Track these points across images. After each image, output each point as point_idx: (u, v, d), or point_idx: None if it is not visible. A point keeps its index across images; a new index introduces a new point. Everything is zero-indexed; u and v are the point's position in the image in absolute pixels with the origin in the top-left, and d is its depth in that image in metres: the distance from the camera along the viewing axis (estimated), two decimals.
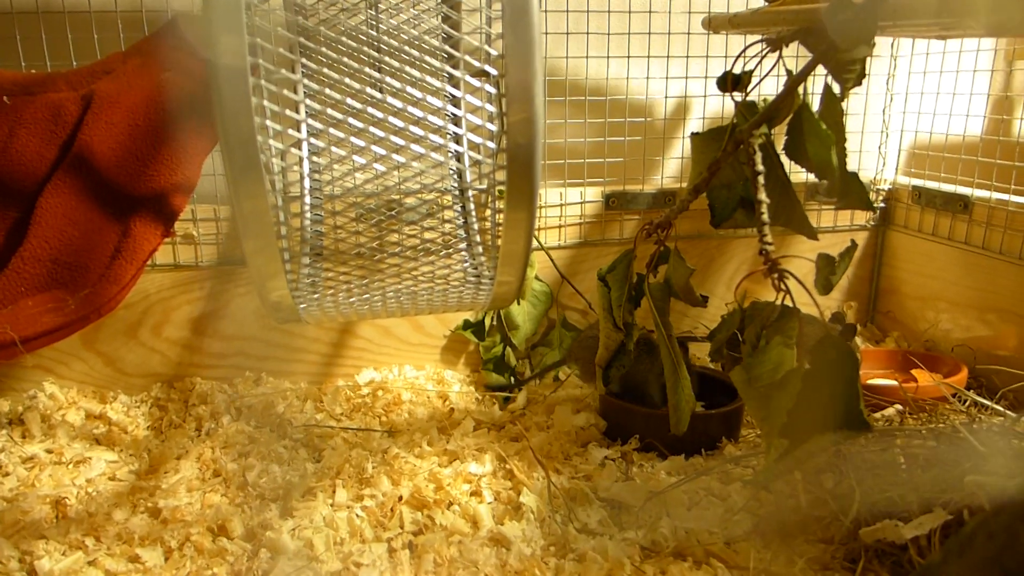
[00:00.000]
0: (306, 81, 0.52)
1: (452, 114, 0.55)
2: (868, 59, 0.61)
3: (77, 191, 0.77)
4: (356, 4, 0.63)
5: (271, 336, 1.04)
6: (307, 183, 0.77)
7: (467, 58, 0.49)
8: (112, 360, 1.01)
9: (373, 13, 0.64)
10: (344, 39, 0.53)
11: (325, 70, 0.49)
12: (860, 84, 0.60)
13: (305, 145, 0.73)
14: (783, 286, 0.65)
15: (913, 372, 1.00)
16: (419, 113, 0.50)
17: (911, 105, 1.17)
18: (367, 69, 0.50)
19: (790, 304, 0.66)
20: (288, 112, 0.49)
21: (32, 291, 0.73)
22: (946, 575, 0.35)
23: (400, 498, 0.75)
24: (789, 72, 0.65)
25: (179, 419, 0.95)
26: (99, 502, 0.77)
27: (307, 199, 0.77)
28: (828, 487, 0.71)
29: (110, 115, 0.79)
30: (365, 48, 0.53)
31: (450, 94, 0.55)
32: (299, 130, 0.59)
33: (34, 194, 0.77)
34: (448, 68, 0.51)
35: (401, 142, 0.50)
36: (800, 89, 0.64)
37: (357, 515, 0.73)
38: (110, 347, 1.00)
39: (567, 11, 1.04)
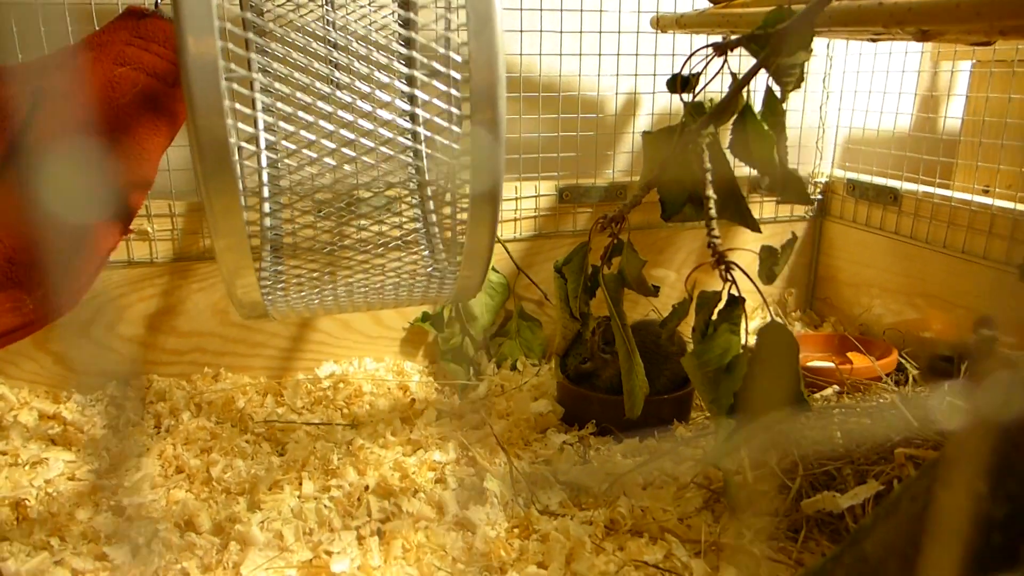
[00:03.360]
0: (276, 84, 0.53)
1: (418, 114, 0.57)
2: (806, 64, 0.65)
3: (30, 188, 0.76)
4: (320, 6, 0.64)
5: (229, 331, 1.04)
6: (266, 179, 0.77)
7: (434, 64, 0.51)
8: (64, 359, 0.99)
9: (334, 14, 0.66)
10: (314, 43, 0.54)
11: (296, 74, 0.50)
12: (799, 87, 0.64)
13: (263, 142, 0.74)
14: (730, 276, 0.69)
15: (849, 355, 1.06)
16: (387, 115, 0.52)
17: (846, 102, 1.23)
18: (337, 73, 0.52)
19: (736, 293, 0.70)
20: (259, 114, 0.50)
21: None
22: (875, 535, 0.39)
23: (366, 487, 0.77)
24: (734, 75, 0.68)
25: (137, 417, 0.94)
26: (60, 502, 0.76)
27: (266, 194, 0.78)
28: (772, 463, 0.76)
29: (61, 112, 0.78)
30: (334, 51, 0.54)
31: (416, 95, 0.57)
32: (268, 129, 0.60)
33: None
34: (416, 72, 0.53)
35: (371, 144, 0.52)
36: (744, 91, 0.68)
37: (325, 505, 0.75)
38: (62, 346, 0.98)
39: (521, 9, 1.06)
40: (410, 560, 0.68)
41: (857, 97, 1.21)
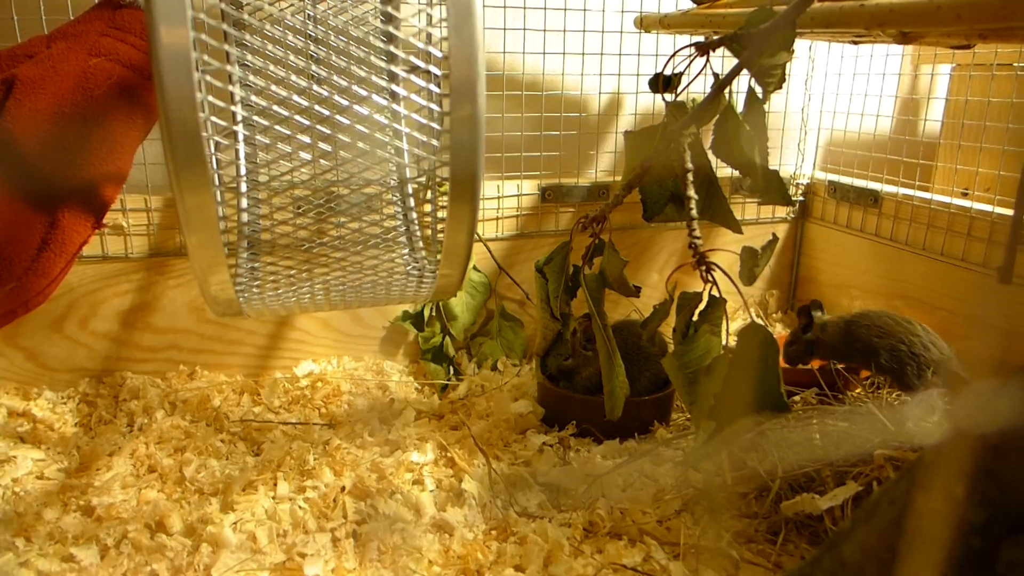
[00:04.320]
0: (252, 78, 0.52)
1: (397, 111, 0.56)
2: (788, 65, 0.65)
3: None
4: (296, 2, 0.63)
5: (205, 329, 1.02)
6: (243, 173, 0.76)
7: (412, 59, 0.50)
8: (35, 355, 0.97)
9: (314, 8, 0.64)
10: (290, 36, 0.53)
11: (271, 67, 0.49)
12: (781, 88, 0.64)
13: (241, 136, 0.72)
14: (710, 277, 0.69)
15: None
16: (364, 111, 0.51)
17: (827, 104, 1.24)
18: (314, 67, 0.51)
19: (716, 294, 0.70)
20: (235, 108, 0.49)
21: None
22: (854, 539, 0.38)
23: (343, 488, 0.76)
24: (716, 75, 0.68)
25: (109, 415, 0.93)
26: (28, 502, 0.74)
27: (243, 189, 0.77)
28: (752, 465, 0.76)
29: (34, 102, 0.76)
30: (311, 45, 0.53)
31: (394, 91, 0.56)
32: (244, 123, 0.59)
33: None
34: (393, 68, 0.52)
35: (349, 139, 0.51)
36: (726, 91, 0.68)
37: (300, 507, 0.74)
38: (32, 342, 0.96)
39: (504, 7, 1.05)
40: (386, 563, 0.67)
41: (839, 99, 1.21)
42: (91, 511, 0.73)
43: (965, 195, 1.04)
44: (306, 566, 0.65)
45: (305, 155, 0.52)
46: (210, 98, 0.47)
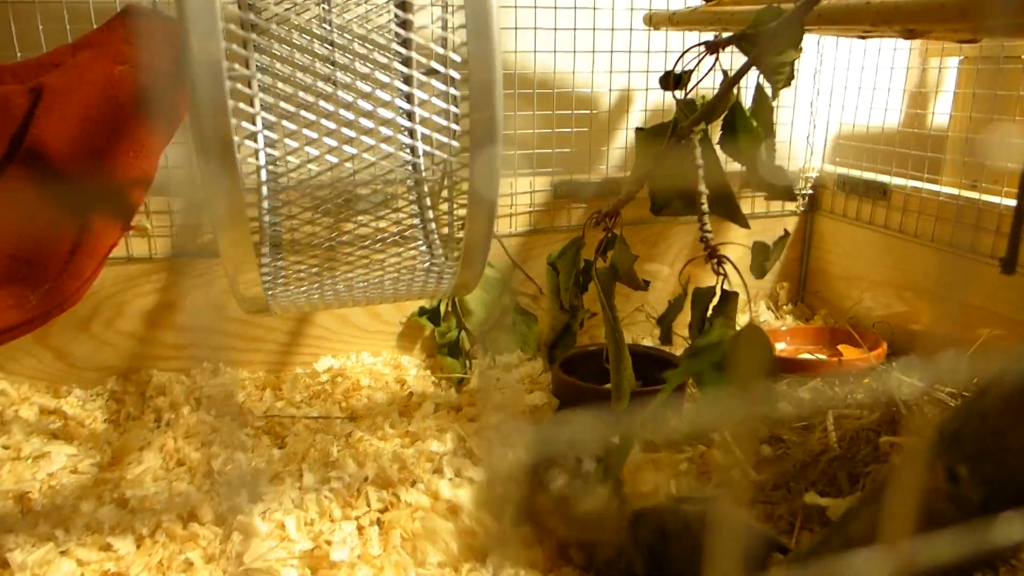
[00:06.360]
0: (280, 85, 0.54)
1: (415, 112, 0.58)
2: (796, 61, 0.66)
3: (31, 186, 0.77)
4: (317, 4, 0.65)
5: (227, 326, 1.05)
6: (266, 176, 0.78)
7: (433, 64, 0.52)
8: (64, 354, 1.00)
9: (332, 15, 0.67)
10: (316, 43, 0.55)
11: (298, 74, 0.52)
12: (789, 85, 0.65)
13: (262, 141, 0.75)
14: (722, 271, 0.71)
15: (839, 347, 1.08)
16: (388, 114, 0.53)
17: (836, 98, 1.25)
18: (339, 74, 0.53)
19: (728, 287, 0.71)
20: (259, 113, 0.51)
21: None
22: (861, 518, 0.40)
23: (366, 479, 0.79)
24: (725, 73, 0.70)
25: (137, 411, 0.95)
26: (64, 495, 0.77)
27: (265, 192, 0.79)
28: (767, 455, 0.78)
29: (62, 109, 0.79)
30: (336, 50, 0.55)
31: (414, 94, 0.58)
32: (268, 127, 0.61)
33: None
34: (414, 72, 0.54)
35: (371, 142, 0.53)
36: (734, 88, 0.70)
37: (325, 496, 0.76)
38: (61, 341, 0.99)
39: (515, 7, 1.07)
40: (408, 549, 0.69)
41: (847, 93, 1.22)
42: (125, 503, 0.76)
43: (973, 187, 1.05)
44: (333, 553, 0.68)
45: (332, 158, 0.54)
46: (241, 105, 0.49)
